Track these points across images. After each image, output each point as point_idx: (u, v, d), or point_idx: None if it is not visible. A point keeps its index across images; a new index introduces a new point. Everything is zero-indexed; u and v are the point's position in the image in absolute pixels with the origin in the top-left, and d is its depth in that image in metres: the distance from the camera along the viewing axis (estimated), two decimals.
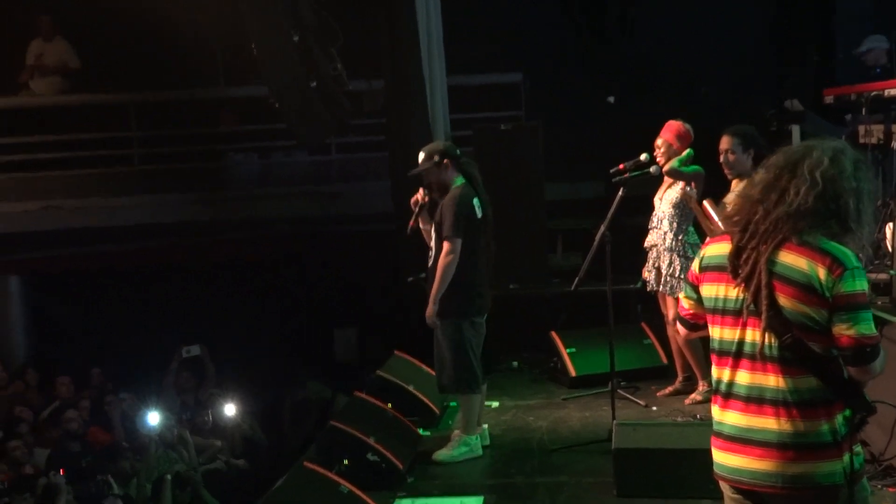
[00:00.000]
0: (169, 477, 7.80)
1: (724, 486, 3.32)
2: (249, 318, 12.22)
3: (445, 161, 6.35)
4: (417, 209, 6.52)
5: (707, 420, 6.66)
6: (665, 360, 8.24)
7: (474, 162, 6.67)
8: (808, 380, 3.07)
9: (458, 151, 6.51)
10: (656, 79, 10.57)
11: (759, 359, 3.11)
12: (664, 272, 7.18)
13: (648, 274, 7.37)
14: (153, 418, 8.70)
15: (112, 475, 7.89)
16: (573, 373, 8.27)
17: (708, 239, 3.42)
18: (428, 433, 7.19)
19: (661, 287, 7.26)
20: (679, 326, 3.55)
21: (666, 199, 7.20)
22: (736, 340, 3.17)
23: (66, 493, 7.38)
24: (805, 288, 3.02)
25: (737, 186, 6.33)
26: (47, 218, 12.09)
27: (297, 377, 11.46)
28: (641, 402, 7.47)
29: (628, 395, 7.57)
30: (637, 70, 10.94)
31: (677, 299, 7.02)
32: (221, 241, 12.65)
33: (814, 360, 3.06)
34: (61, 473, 7.55)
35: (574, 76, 11.36)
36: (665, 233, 7.18)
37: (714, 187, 6.81)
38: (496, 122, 10.82)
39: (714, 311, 3.25)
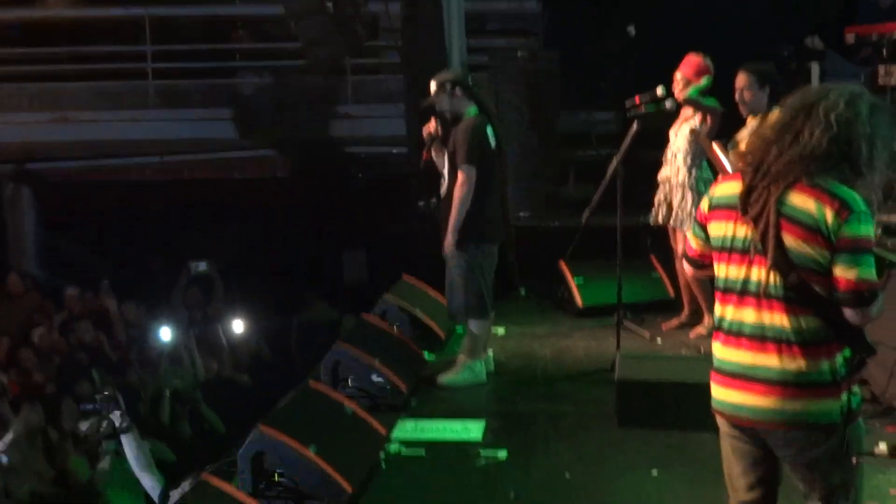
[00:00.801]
0: (168, 392, 7.85)
1: (721, 422, 3.35)
2: (258, 237, 12.25)
3: (456, 90, 6.27)
4: (430, 140, 6.46)
5: (710, 354, 6.75)
6: (672, 294, 8.25)
7: (489, 91, 6.61)
8: (811, 319, 3.09)
9: (470, 80, 6.43)
10: (677, 11, 10.42)
11: (763, 297, 3.12)
12: (676, 206, 7.16)
13: (659, 207, 7.35)
14: (165, 333, 8.76)
15: (119, 388, 7.97)
16: (580, 303, 8.30)
17: (719, 178, 3.40)
18: (433, 357, 7.24)
19: (672, 221, 7.24)
20: (686, 266, 3.57)
21: (681, 134, 7.15)
22: (741, 278, 3.17)
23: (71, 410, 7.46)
24: (812, 229, 3.03)
25: (752, 124, 6.29)
26: (60, 129, 12.10)
27: (305, 298, 11.53)
28: (646, 334, 7.50)
29: (634, 327, 7.59)
30: (658, 2, 10.79)
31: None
32: (232, 160, 12.65)
33: (817, 300, 3.07)
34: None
35: (593, 5, 11.20)
36: (679, 167, 7.15)
37: (729, 124, 6.77)
38: (513, 49, 10.73)
39: (721, 249, 3.25)
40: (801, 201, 3.04)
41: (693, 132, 6.91)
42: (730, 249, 3.21)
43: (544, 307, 8.73)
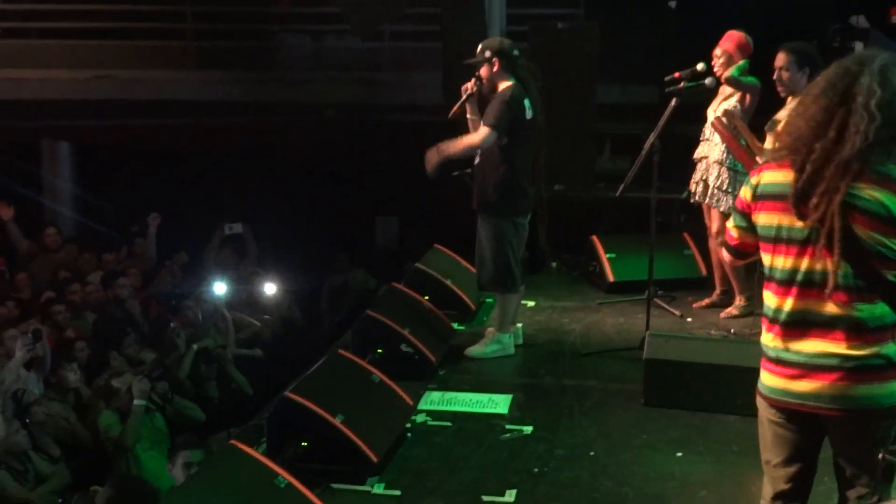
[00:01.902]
0: (195, 347, 7.90)
1: (770, 412, 3.32)
2: (292, 200, 12.28)
3: (495, 60, 6.25)
4: (465, 96, 6.43)
5: (740, 336, 6.74)
6: (704, 272, 8.22)
7: (533, 66, 6.56)
8: (879, 306, 3.09)
9: (515, 52, 6.36)
10: None
11: (830, 287, 3.09)
12: (711, 185, 7.11)
13: (695, 185, 7.29)
14: (219, 288, 8.82)
15: (153, 344, 8.07)
16: (611, 278, 8.29)
17: (762, 165, 3.31)
18: (462, 328, 7.27)
19: (708, 199, 7.19)
20: (724, 254, 3.53)
21: (720, 111, 7.08)
22: (803, 269, 3.14)
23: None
24: (882, 218, 3.01)
25: (791, 103, 6.21)
26: (98, 87, 12.16)
27: (337, 262, 11.58)
28: (677, 313, 7.48)
29: (664, 305, 7.57)
30: None
31: (723, 214, 7.04)
32: (269, 123, 12.67)
33: (885, 287, 3.07)
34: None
35: None
36: (716, 145, 7.09)
37: (768, 102, 6.70)
38: (553, 18, 10.65)
39: (775, 239, 3.20)
40: (868, 192, 3.01)
41: (726, 112, 6.84)
42: (787, 241, 3.17)
43: (575, 280, 8.74)
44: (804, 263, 3.14)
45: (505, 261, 6.38)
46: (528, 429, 5.41)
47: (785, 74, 6.20)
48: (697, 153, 7.26)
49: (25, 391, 6.69)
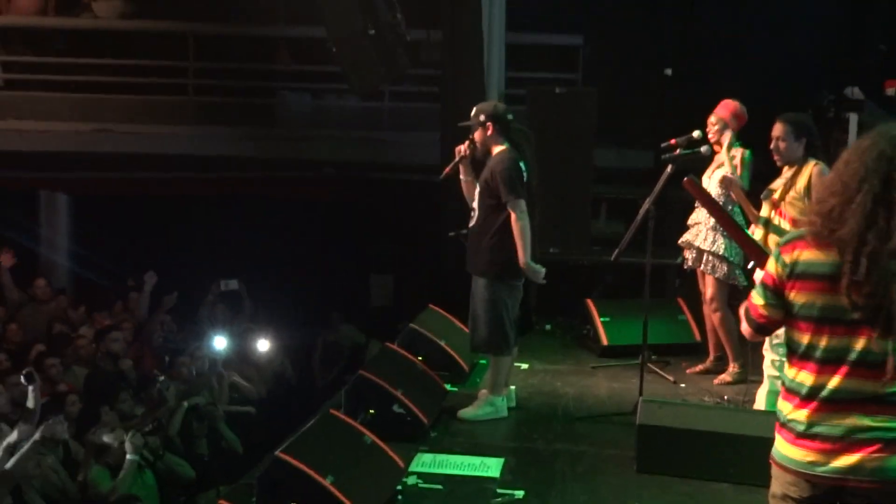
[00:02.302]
0: (185, 404, 7.86)
1: (789, 485, 3.28)
2: (288, 257, 12.33)
3: (489, 124, 6.29)
4: (458, 158, 6.45)
5: (734, 402, 6.73)
6: (698, 338, 8.23)
7: (526, 130, 6.61)
8: None
9: (510, 116, 6.42)
10: (716, 56, 10.43)
11: (875, 366, 3.11)
12: (706, 251, 7.15)
13: (690, 252, 7.34)
14: (220, 342, 8.79)
15: (141, 400, 8.02)
16: (605, 342, 8.29)
17: (792, 241, 3.25)
18: (455, 389, 7.25)
19: (703, 265, 7.23)
20: (745, 327, 3.48)
21: (714, 178, 7.14)
22: (857, 349, 3.14)
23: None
24: None
25: (786, 174, 6.26)
26: (99, 140, 12.23)
27: (331, 319, 11.58)
28: (670, 378, 7.47)
29: (658, 370, 7.57)
30: (697, 45, 10.80)
31: (717, 280, 7.08)
32: (267, 179, 12.76)
33: None
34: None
35: (634, 45, 11.23)
36: None
37: (763, 171, 6.76)
38: (552, 83, 10.76)
39: (813, 319, 3.19)
40: None
41: (724, 179, 6.91)
42: (825, 320, 3.16)
43: (568, 344, 8.74)
44: (857, 343, 3.13)
45: (500, 323, 6.37)
46: (520, 493, 5.38)
47: (782, 144, 6.24)
48: (691, 219, 7.32)
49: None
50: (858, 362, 3.14)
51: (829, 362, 3.18)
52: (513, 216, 6.17)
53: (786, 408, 3.29)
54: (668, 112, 10.08)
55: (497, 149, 6.31)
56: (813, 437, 3.21)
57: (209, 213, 12.49)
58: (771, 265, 3.30)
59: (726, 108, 7.13)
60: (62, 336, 9.41)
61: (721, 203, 7.07)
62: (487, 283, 6.35)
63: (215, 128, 12.28)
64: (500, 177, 6.17)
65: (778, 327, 3.34)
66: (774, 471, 3.35)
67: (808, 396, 3.22)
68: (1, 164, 12.47)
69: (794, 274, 3.22)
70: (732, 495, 5.31)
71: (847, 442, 3.15)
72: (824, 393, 3.19)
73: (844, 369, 3.16)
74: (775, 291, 3.28)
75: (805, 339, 3.23)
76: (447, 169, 6.53)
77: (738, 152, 7.02)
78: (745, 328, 3.49)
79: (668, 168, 6.69)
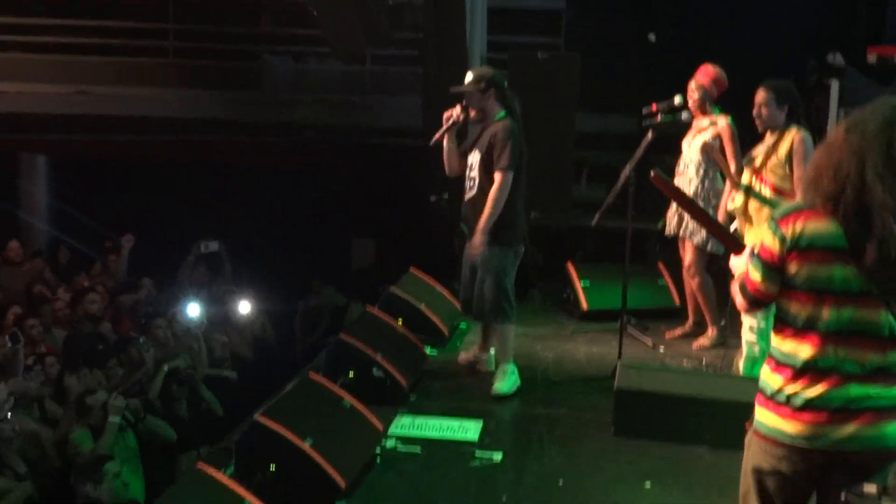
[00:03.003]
0: (166, 367, 7.86)
1: (772, 452, 3.26)
2: (270, 220, 12.30)
3: (490, 91, 6.21)
4: (449, 125, 6.33)
5: (712, 367, 6.78)
6: (678, 303, 8.27)
7: (516, 95, 6.46)
8: None
9: (505, 83, 6.34)
10: (699, 21, 10.39)
11: (878, 338, 3.12)
12: (686, 217, 7.17)
13: (671, 218, 7.36)
14: (193, 310, 8.74)
15: (120, 363, 8.01)
16: (585, 306, 8.32)
17: (792, 214, 3.19)
18: (435, 353, 7.27)
19: (682, 231, 7.25)
20: (739, 300, 3.42)
21: (694, 145, 7.15)
22: (858, 320, 3.13)
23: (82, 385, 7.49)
24: None
25: (768, 140, 6.26)
26: (79, 102, 12.14)
27: (313, 283, 11.57)
28: (649, 342, 7.52)
29: (637, 334, 7.61)
30: (680, 10, 10.76)
31: (697, 247, 7.10)
32: (248, 142, 12.68)
33: None
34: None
35: (617, 9, 11.17)
36: (691, 178, 7.15)
37: (745, 137, 6.78)
38: (534, 47, 10.70)
39: (818, 290, 3.15)
40: None
41: (705, 145, 6.92)
42: (830, 292, 3.13)
43: (549, 308, 8.76)
44: (862, 315, 3.12)
45: (506, 291, 6.34)
46: (498, 456, 5.41)
47: (764, 111, 6.23)
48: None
49: None
50: (862, 333, 3.13)
51: (832, 334, 3.15)
52: (498, 182, 6.13)
53: (775, 381, 3.25)
54: (651, 77, 10.04)
55: (497, 115, 6.25)
56: (809, 409, 3.18)
57: (190, 176, 12.43)
58: (767, 239, 3.24)
59: (706, 74, 7.12)
60: (40, 297, 9.37)
61: (703, 170, 7.10)
62: (496, 252, 6.26)
63: (196, 91, 12.21)
64: (504, 145, 6.11)
65: (773, 301, 3.30)
66: (760, 444, 3.30)
67: (806, 369, 3.19)
68: None
69: (798, 246, 3.16)
70: (709, 459, 5.35)
71: (843, 413, 3.14)
72: (822, 364, 3.16)
73: (849, 341, 3.14)
74: (773, 266, 3.23)
75: (806, 311, 3.18)
76: (437, 135, 6.38)
77: (720, 119, 7.02)
78: (739, 302, 3.43)
79: (649, 134, 6.69)
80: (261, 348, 10.05)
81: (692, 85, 7.10)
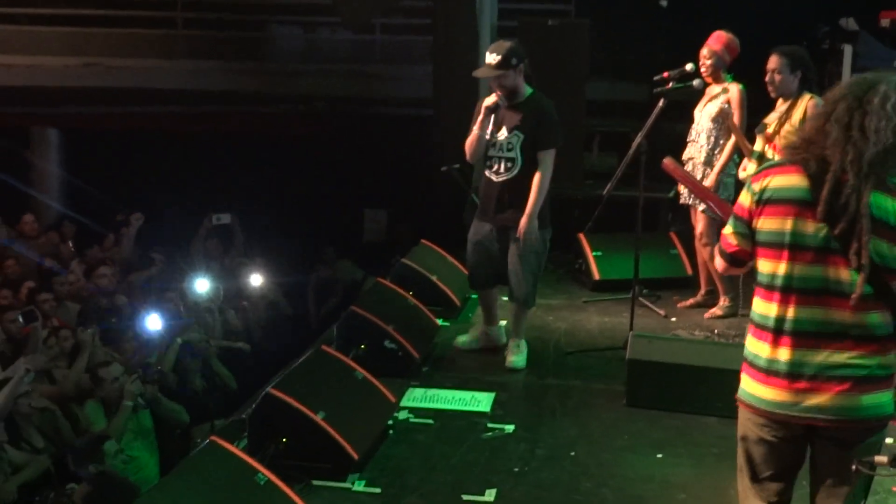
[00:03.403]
0: (179, 340, 7.87)
1: (758, 425, 3.24)
2: (281, 192, 12.29)
3: (521, 66, 5.99)
4: (486, 114, 6.04)
5: (724, 337, 6.76)
6: (690, 272, 8.24)
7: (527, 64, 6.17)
8: (887, 315, 3.09)
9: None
10: None
11: (843, 296, 3.06)
12: None
13: (683, 186, 7.32)
14: (202, 285, 8.71)
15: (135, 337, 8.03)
16: (597, 276, 8.30)
17: (763, 170, 3.22)
18: (447, 324, 7.26)
19: (693, 200, 7.22)
20: (718, 261, 3.43)
21: (705, 113, 7.11)
22: (819, 277, 3.09)
23: (93, 347, 7.47)
24: (890, 227, 3.01)
25: (781, 107, 6.22)
26: (88, 75, 12.13)
27: (324, 254, 11.58)
28: (661, 312, 7.50)
29: (649, 304, 7.60)
30: None
31: (708, 216, 7.07)
32: (259, 113, 12.66)
33: (892, 297, 3.07)
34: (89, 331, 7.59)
35: None
36: (702, 146, 7.11)
37: (757, 104, 6.73)
38: (544, 14, 10.66)
39: (777, 245, 3.14)
40: (885, 202, 3.01)
41: (722, 113, 6.85)
42: (797, 247, 3.10)
43: (561, 278, 8.74)
44: (824, 271, 3.08)
45: (540, 274, 6.39)
46: (510, 427, 5.42)
47: (777, 77, 6.20)
48: (685, 155, 7.28)
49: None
50: (824, 290, 3.09)
51: (792, 291, 3.13)
52: (546, 166, 6.03)
53: (753, 344, 3.24)
54: (662, 44, 9.98)
55: (528, 92, 6.09)
56: (783, 374, 3.16)
57: (200, 148, 12.43)
58: (743, 195, 3.26)
59: (718, 40, 7.05)
60: (52, 271, 9.40)
61: (713, 138, 7.05)
62: (539, 235, 6.18)
63: (205, 62, 12.20)
64: (550, 125, 6.04)
65: (749, 258, 3.28)
66: (743, 412, 3.30)
67: (772, 329, 3.17)
68: None
69: (762, 200, 3.17)
70: (719, 429, 5.35)
71: (819, 380, 3.11)
72: (787, 325, 3.14)
73: (807, 298, 3.11)
74: (745, 221, 3.24)
75: (768, 267, 3.18)
76: (477, 128, 6.06)
77: (731, 86, 6.97)
78: (719, 262, 3.44)
79: (661, 102, 6.64)
80: (274, 320, 10.07)
81: (704, 52, 7.04)
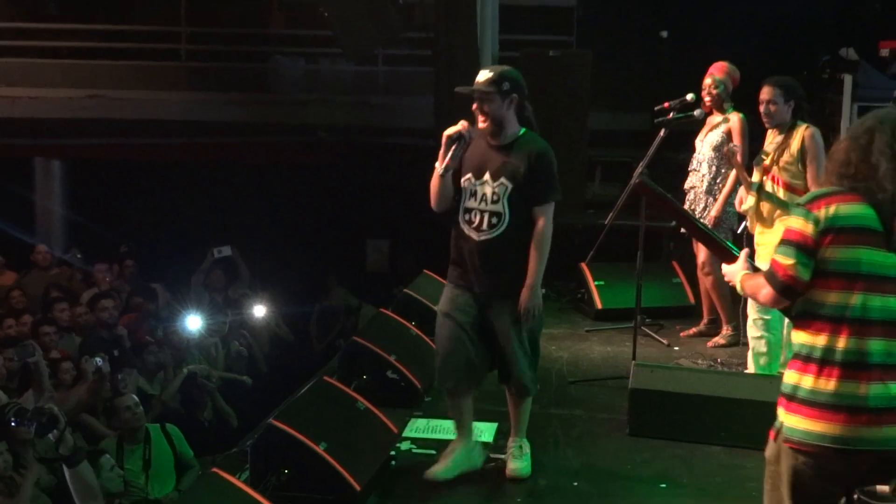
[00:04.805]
0: (185, 370, 7.87)
1: (806, 460, 3.12)
2: (283, 222, 12.31)
3: (515, 97, 4.85)
4: (455, 146, 4.86)
5: (727, 366, 6.75)
6: (692, 301, 8.24)
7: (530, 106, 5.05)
8: None
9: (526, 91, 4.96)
10: (711, 17, 10.34)
11: None
12: (700, 215, 7.14)
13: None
14: (193, 322, 8.66)
15: (138, 369, 8.01)
16: (599, 305, 8.30)
17: (820, 197, 3.12)
18: None
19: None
20: (765, 292, 3.21)
21: (707, 142, 7.14)
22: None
23: (95, 377, 7.45)
24: None
25: (776, 138, 6.18)
26: (91, 106, 12.18)
27: (328, 284, 11.60)
28: (664, 341, 7.50)
29: (652, 333, 7.60)
30: (692, 6, 10.71)
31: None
32: (261, 144, 12.70)
33: None
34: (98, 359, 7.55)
35: (628, 6, 11.15)
36: (704, 175, 7.14)
37: (758, 133, 6.73)
38: (546, 44, 10.71)
39: (854, 275, 3.06)
40: None
41: (727, 151, 6.81)
42: (868, 276, 3.06)
43: (563, 307, 8.75)
44: (893, 302, 3.06)
45: (540, 352, 5.26)
46: None
47: (772, 108, 6.16)
48: (687, 184, 7.30)
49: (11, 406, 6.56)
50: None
51: (870, 322, 3.06)
52: (545, 221, 4.86)
53: (805, 380, 3.12)
54: (663, 74, 10.02)
55: (519, 131, 4.91)
56: (845, 409, 3.05)
57: (203, 179, 12.45)
58: (797, 224, 3.12)
59: (720, 69, 7.11)
60: (56, 301, 9.40)
61: (714, 167, 7.07)
62: (537, 306, 4.95)
63: (208, 93, 12.24)
64: (548, 173, 4.85)
65: (803, 289, 3.13)
66: (792, 453, 3.13)
67: (837, 363, 3.06)
68: None
69: (829, 228, 3.07)
70: (724, 458, 5.34)
71: (884, 414, 3.03)
72: (857, 357, 3.05)
73: (881, 329, 3.05)
74: (807, 248, 3.10)
75: (836, 298, 3.08)
76: (445, 160, 4.87)
77: (732, 115, 7.00)
78: (765, 293, 3.22)
79: (662, 132, 6.67)
80: (278, 351, 10.07)
81: (708, 81, 7.08)
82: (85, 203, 12.94)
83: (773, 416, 3.25)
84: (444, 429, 5.80)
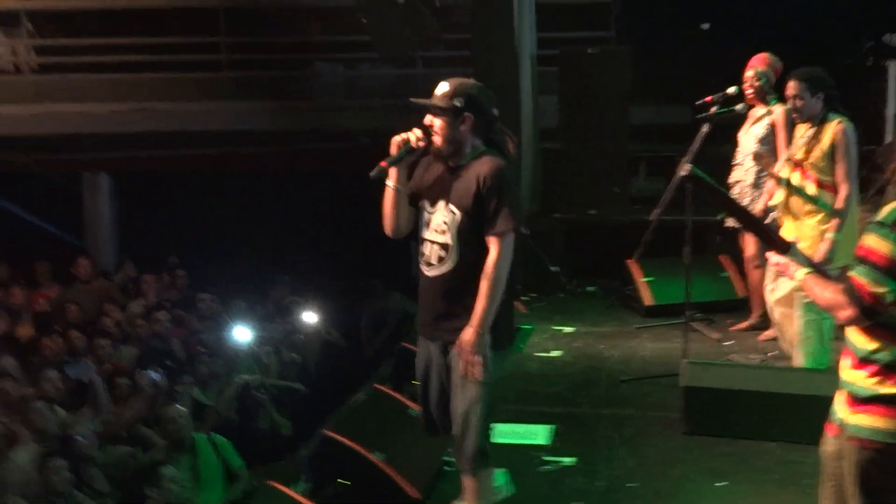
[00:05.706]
0: (239, 380, 7.94)
1: (859, 452, 3.15)
2: (328, 228, 12.37)
3: (467, 116, 4.12)
4: (400, 154, 4.23)
5: (777, 358, 6.70)
6: (740, 294, 8.19)
7: (510, 135, 4.35)
8: None
9: (495, 111, 4.22)
10: (752, 7, 10.23)
11: None
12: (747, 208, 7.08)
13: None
14: (242, 334, 8.73)
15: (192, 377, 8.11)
16: (648, 301, 8.28)
17: None
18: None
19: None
20: (846, 313, 3.11)
21: (751, 135, 7.08)
22: None
23: (151, 390, 7.55)
24: None
25: (808, 132, 6.05)
26: (136, 120, 12.30)
27: (374, 288, 11.62)
28: (714, 336, 7.46)
29: (702, 329, 7.56)
30: None
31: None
32: (303, 151, 12.77)
33: None
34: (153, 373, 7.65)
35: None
36: (748, 169, 7.08)
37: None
38: (585, 41, 10.67)
39: None
40: None
41: (755, 156, 6.75)
42: None
43: (612, 305, 8.75)
44: None
45: (492, 418, 4.35)
46: (569, 460, 5.40)
47: (799, 102, 6.00)
48: (732, 178, 7.25)
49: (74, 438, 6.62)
50: None
51: None
52: (498, 253, 4.01)
53: (873, 382, 3.12)
54: (705, 66, 9.94)
55: (478, 151, 4.16)
56: None
57: (247, 188, 12.55)
58: (879, 244, 3.05)
59: (762, 61, 7.05)
60: (105, 315, 9.55)
61: (758, 167, 7.00)
62: (491, 360, 4.07)
63: (250, 102, 12.30)
64: (499, 195, 4.03)
65: (886, 311, 3.06)
66: (866, 455, 3.14)
67: None
68: (41, 147, 12.61)
69: None
70: (780, 454, 5.31)
71: None
72: None
73: None
74: (892, 272, 3.04)
75: None
76: (383, 162, 4.27)
77: (776, 107, 6.93)
78: (846, 315, 3.12)
79: (704, 127, 6.62)
80: (329, 355, 10.13)
81: (750, 73, 7.01)
82: (134, 216, 13.10)
83: (827, 411, 3.28)
84: (497, 431, 5.73)
